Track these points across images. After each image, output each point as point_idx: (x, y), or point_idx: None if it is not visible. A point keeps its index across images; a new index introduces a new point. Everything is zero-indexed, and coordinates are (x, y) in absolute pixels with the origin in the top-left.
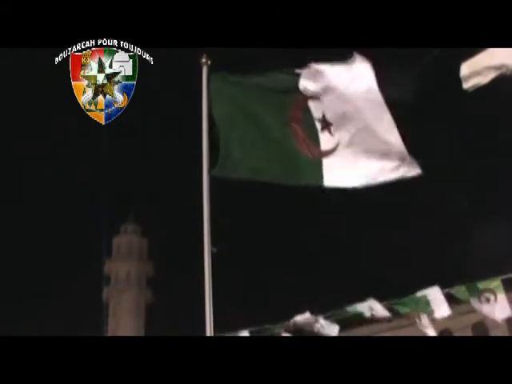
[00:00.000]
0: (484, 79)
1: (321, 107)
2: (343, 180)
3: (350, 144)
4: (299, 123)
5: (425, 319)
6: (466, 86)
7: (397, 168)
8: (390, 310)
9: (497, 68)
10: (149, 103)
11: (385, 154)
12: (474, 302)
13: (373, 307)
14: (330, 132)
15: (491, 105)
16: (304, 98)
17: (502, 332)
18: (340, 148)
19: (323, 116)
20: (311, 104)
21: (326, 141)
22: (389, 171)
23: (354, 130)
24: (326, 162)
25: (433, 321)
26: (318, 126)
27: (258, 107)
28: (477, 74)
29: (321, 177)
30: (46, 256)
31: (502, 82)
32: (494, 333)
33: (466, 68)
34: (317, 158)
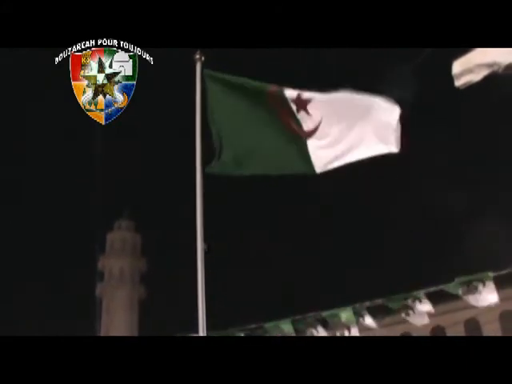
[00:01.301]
0: (476, 77)
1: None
2: (330, 160)
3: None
4: (278, 105)
5: (418, 310)
6: (458, 83)
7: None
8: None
9: (489, 65)
10: (148, 103)
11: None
12: (464, 293)
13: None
14: (306, 111)
15: (489, 103)
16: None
17: (495, 328)
18: (323, 126)
19: (298, 95)
20: (286, 91)
21: (305, 121)
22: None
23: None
24: (311, 143)
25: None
26: (294, 107)
27: (247, 101)
28: (469, 71)
29: (309, 160)
30: (38, 252)
31: (498, 80)
32: (486, 329)
33: (458, 66)
34: (304, 138)
